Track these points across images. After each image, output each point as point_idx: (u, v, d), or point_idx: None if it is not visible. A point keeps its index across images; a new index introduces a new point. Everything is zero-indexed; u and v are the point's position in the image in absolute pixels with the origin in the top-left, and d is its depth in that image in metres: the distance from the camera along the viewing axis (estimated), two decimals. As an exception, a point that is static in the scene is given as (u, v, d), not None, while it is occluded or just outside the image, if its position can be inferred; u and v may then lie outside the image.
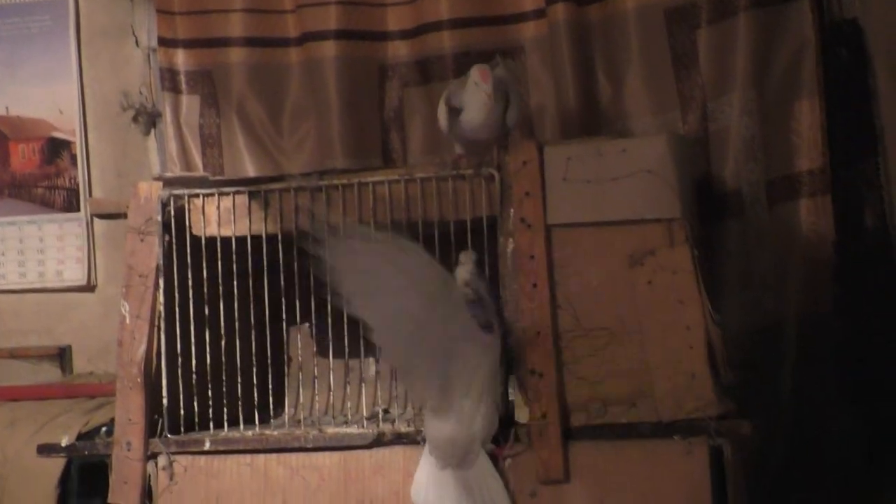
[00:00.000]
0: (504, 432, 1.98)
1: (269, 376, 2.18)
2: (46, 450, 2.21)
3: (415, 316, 1.81)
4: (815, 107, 2.47)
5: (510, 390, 2.02)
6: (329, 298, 1.93)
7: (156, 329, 2.17)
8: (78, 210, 3.02)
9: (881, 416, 2.44)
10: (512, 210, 2.04)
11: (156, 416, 2.15)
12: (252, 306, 2.20)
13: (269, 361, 2.20)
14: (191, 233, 2.19)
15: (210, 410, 2.17)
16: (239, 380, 2.19)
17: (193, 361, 2.17)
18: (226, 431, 2.16)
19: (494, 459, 1.97)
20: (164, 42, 2.90)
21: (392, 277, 1.79)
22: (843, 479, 2.43)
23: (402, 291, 1.79)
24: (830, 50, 2.48)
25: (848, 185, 2.46)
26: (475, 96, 2.11)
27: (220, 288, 2.18)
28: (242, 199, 2.17)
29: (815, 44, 2.48)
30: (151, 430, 2.13)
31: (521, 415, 1.99)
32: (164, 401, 2.15)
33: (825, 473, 2.44)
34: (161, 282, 2.17)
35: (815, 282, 2.47)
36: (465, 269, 2.01)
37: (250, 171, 2.84)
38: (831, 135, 2.47)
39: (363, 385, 2.25)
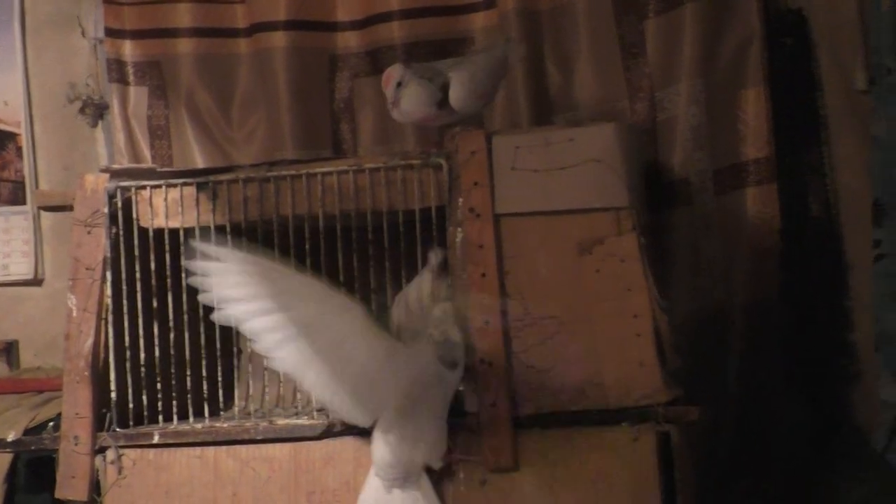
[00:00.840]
0: (454, 426, 1.98)
1: (219, 369, 2.17)
2: (-7, 445, 2.19)
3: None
4: (761, 96, 2.49)
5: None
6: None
7: (103, 322, 2.15)
8: (24, 203, 2.98)
9: (827, 403, 2.47)
10: (461, 200, 2.04)
11: (104, 410, 2.13)
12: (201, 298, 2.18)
13: (218, 354, 2.19)
14: (138, 225, 2.17)
15: (159, 404, 2.16)
16: (188, 372, 2.18)
17: (142, 354, 2.16)
18: (175, 424, 2.15)
19: (437, 475, 1.97)
20: (111, 32, 2.87)
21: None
22: (789, 465, 2.45)
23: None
24: (775, 39, 2.50)
25: (793, 173, 2.49)
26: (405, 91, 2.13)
27: (169, 280, 2.17)
28: (190, 191, 2.16)
29: (761, 33, 2.50)
30: (99, 424, 2.12)
31: (471, 404, 2.00)
32: (113, 394, 2.13)
33: (772, 460, 2.47)
34: (108, 274, 2.15)
35: (762, 269, 2.49)
36: (439, 309, 2.01)
37: (200, 162, 2.82)
38: (777, 123, 2.49)
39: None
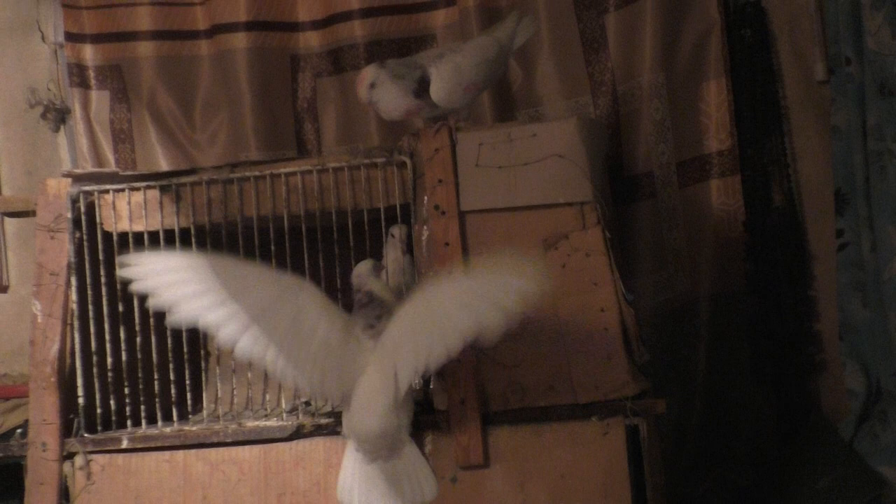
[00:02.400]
0: (424, 424, 1.98)
1: (187, 372, 2.17)
2: (-40, 454, 2.18)
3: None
4: (722, 87, 2.51)
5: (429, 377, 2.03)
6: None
7: (69, 327, 2.14)
8: (-13, 209, 2.96)
9: (793, 393, 2.49)
10: (426, 197, 2.04)
11: (71, 416, 2.12)
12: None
13: (186, 357, 2.19)
14: (102, 229, 2.16)
15: (127, 408, 2.15)
16: (156, 376, 2.17)
17: (109, 359, 2.15)
18: (144, 429, 2.14)
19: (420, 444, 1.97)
20: (71, 37, 2.86)
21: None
22: (757, 454, 2.47)
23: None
24: (735, 31, 2.52)
25: (755, 163, 2.51)
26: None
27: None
28: (154, 194, 2.15)
29: (720, 25, 2.52)
30: (67, 430, 2.11)
31: (440, 401, 2.00)
32: (80, 400, 2.12)
33: (740, 450, 2.49)
34: (73, 279, 2.14)
35: (727, 260, 2.51)
36: (353, 275, 2.01)
37: (164, 165, 2.81)
38: (738, 115, 2.51)
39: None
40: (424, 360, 1.79)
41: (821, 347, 2.49)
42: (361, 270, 2.00)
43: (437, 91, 2.06)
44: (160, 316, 2.11)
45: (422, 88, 2.07)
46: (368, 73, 2.08)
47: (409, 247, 2.15)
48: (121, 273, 1.84)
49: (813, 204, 2.51)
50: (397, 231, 2.14)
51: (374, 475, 1.91)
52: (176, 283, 1.79)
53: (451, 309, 1.76)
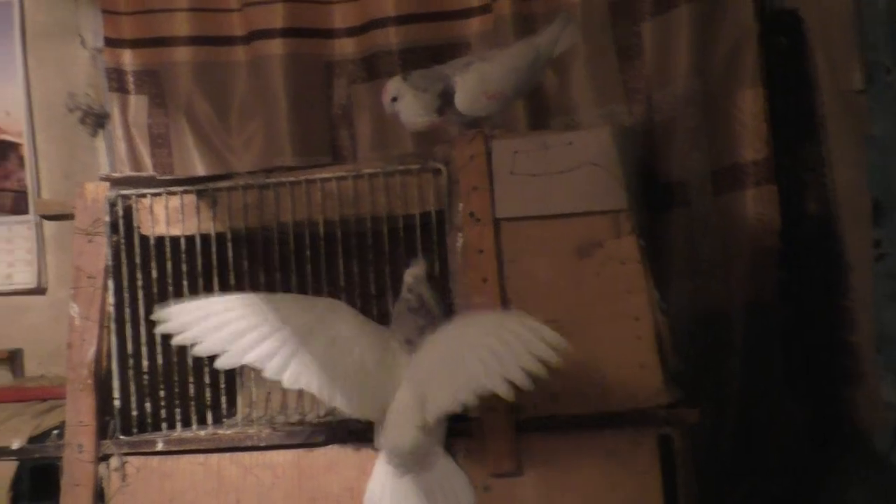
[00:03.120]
0: (455, 431, 1.99)
1: (222, 375, 2.18)
2: (-3, 453, 2.20)
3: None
4: (758, 96, 2.50)
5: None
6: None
7: (106, 330, 2.16)
8: (27, 213, 3.00)
9: (828, 405, 2.47)
10: (460, 205, 2.05)
11: (107, 418, 2.14)
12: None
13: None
14: (139, 233, 2.18)
15: (162, 411, 2.17)
16: (191, 379, 2.18)
17: (145, 362, 2.17)
18: (178, 431, 2.15)
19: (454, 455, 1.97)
20: (110, 42, 2.89)
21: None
22: (790, 464, 2.46)
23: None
24: (771, 39, 2.51)
25: (791, 172, 2.49)
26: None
27: (170, 287, 2.18)
28: (190, 198, 2.17)
29: (757, 34, 2.51)
30: (103, 432, 2.13)
31: (473, 408, 2.00)
32: (116, 402, 2.14)
33: (773, 460, 2.47)
34: (110, 283, 2.16)
35: (761, 270, 2.50)
36: (408, 274, 2.02)
37: (200, 170, 2.83)
38: (774, 123, 2.50)
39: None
40: (452, 398, 1.83)
41: (856, 359, 2.47)
42: (417, 273, 2.01)
43: (460, 100, 2.09)
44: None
45: (444, 102, 2.09)
46: (390, 86, 2.12)
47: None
48: (160, 329, 1.90)
49: (849, 214, 2.49)
50: (415, 272, 2.09)
51: (405, 489, 1.92)
52: (216, 327, 1.85)
53: (483, 353, 1.78)
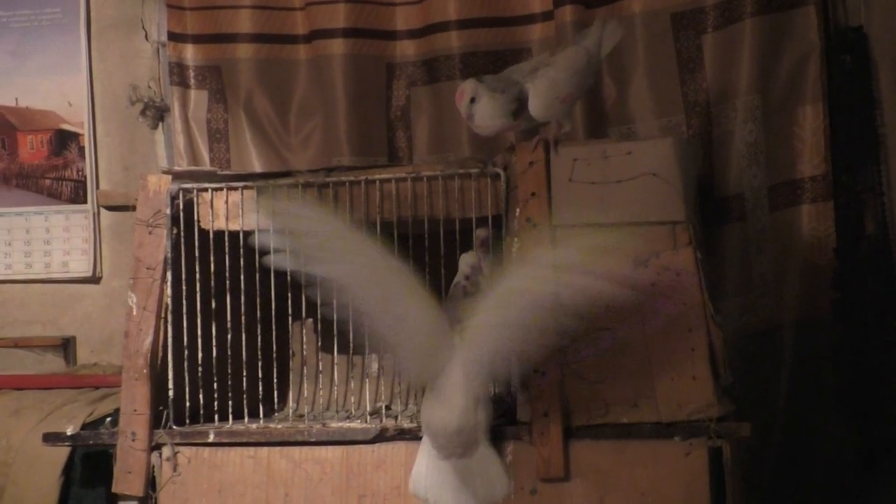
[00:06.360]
0: (506, 434, 2.00)
1: (274, 370, 2.20)
2: (52, 438, 2.22)
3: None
4: (819, 112, 2.50)
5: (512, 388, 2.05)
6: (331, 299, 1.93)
7: (162, 321, 2.18)
8: (84, 202, 3.04)
9: (877, 424, 2.45)
10: (518, 210, 2.06)
11: (161, 408, 2.16)
12: (258, 300, 2.22)
13: (273, 355, 2.22)
14: (199, 226, 2.21)
15: (215, 403, 2.19)
16: (244, 373, 2.21)
17: (199, 354, 2.19)
18: (230, 424, 2.18)
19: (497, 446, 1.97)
20: (173, 36, 2.93)
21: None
22: (838, 483, 2.44)
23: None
24: (835, 56, 2.50)
25: (849, 190, 2.48)
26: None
27: (227, 282, 2.20)
28: (250, 194, 2.19)
29: (820, 50, 2.50)
30: (156, 422, 2.15)
31: (524, 413, 2.01)
32: (170, 392, 2.16)
33: (821, 477, 2.46)
34: (168, 274, 2.18)
35: (815, 287, 2.49)
36: (464, 261, 2.03)
37: (257, 166, 2.86)
38: (833, 140, 2.49)
39: (366, 381, 2.27)
40: (508, 346, 1.81)
41: (909, 380, 2.46)
42: (473, 262, 2.01)
43: (535, 107, 2.08)
44: (250, 314, 2.17)
45: (520, 107, 2.09)
46: (468, 87, 2.10)
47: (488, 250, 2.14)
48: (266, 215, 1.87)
49: (906, 234, 2.48)
50: (482, 233, 2.14)
51: (447, 471, 1.92)
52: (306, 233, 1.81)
53: (533, 283, 1.77)
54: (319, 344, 2.30)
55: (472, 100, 2.08)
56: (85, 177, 3.03)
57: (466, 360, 1.87)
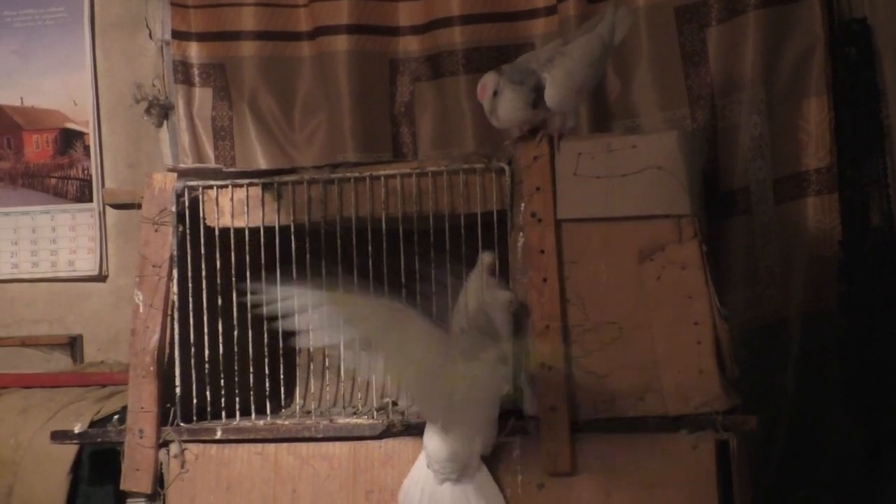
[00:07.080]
0: (513, 429, 2.01)
1: (280, 367, 2.20)
2: (60, 436, 2.23)
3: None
4: (824, 105, 2.49)
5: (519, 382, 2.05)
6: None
7: (169, 319, 2.19)
8: (90, 200, 3.04)
9: (884, 417, 2.45)
10: (522, 204, 2.06)
11: (168, 405, 2.17)
12: (264, 297, 2.21)
13: (280, 352, 2.23)
14: (204, 224, 2.21)
15: (222, 400, 2.20)
16: (251, 370, 2.21)
17: (206, 351, 2.19)
18: (237, 421, 2.18)
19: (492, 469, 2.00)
20: (177, 35, 2.93)
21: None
22: (844, 475, 2.44)
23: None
24: (839, 48, 2.50)
25: (854, 183, 2.48)
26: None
27: (233, 279, 2.20)
28: (256, 191, 2.19)
29: (824, 42, 2.50)
30: (164, 419, 2.15)
31: (531, 407, 2.01)
32: (177, 390, 2.17)
33: (827, 469, 2.46)
34: (175, 272, 2.19)
35: (820, 279, 2.49)
36: (502, 298, 2.04)
37: (262, 163, 2.86)
38: (838, 133, 2.48)
39: (372, 377, 2.27)
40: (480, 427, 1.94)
41: (915, 372, 2.46)
42: (501, 299, 2.04)
43: (551, 97, 2.06)
44: (256, 311, 2.17)
45: (538, 97, 2.06)
46: (490, 80, 2.06)
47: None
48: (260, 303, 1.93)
49: (913, 226, 2.47)
50: (488, 258, 2.14)
51: (442, 495, 1.96)
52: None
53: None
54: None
55: (496, 93, 2.06)
56: (90, 175, 3.04)
57: (466, 388, 1.90)
